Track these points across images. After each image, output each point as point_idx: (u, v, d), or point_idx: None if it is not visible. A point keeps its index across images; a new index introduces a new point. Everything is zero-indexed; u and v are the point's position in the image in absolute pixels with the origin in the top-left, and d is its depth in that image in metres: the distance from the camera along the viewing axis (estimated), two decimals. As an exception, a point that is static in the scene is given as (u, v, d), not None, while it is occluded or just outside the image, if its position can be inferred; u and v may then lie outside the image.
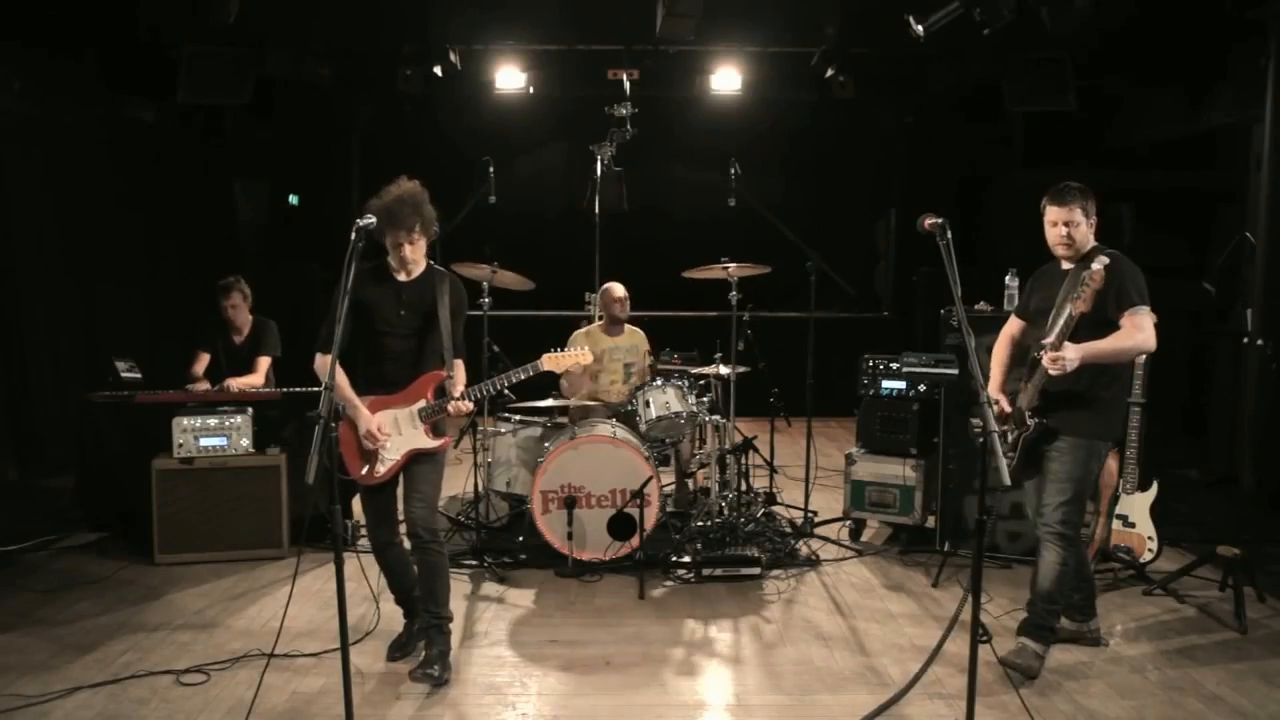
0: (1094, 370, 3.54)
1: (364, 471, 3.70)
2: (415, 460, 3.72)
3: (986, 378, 3.84)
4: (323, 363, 3.63)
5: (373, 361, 3.72)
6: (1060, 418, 3.64)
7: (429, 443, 3.72)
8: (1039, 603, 3.75)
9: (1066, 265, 3.74)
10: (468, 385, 3.77)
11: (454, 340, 3.76)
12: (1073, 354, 3.42)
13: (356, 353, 3.70)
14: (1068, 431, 3.64)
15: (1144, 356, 4.38)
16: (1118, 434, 3.77)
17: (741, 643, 4.09)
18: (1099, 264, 3.36)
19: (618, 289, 5.80)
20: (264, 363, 5.67)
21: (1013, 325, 4.02)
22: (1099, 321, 3.50)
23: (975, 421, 3.70)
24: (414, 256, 3.67)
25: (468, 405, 3.72)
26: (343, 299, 3.05)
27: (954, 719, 3.40)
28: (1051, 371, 3.47)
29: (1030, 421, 3.67)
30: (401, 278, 3.71)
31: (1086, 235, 3.68)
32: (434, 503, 3.76)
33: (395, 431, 3.69)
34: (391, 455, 3.69)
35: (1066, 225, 3.65)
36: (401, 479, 3.77)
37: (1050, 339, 3.52)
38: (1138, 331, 3.50)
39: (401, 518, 3.83)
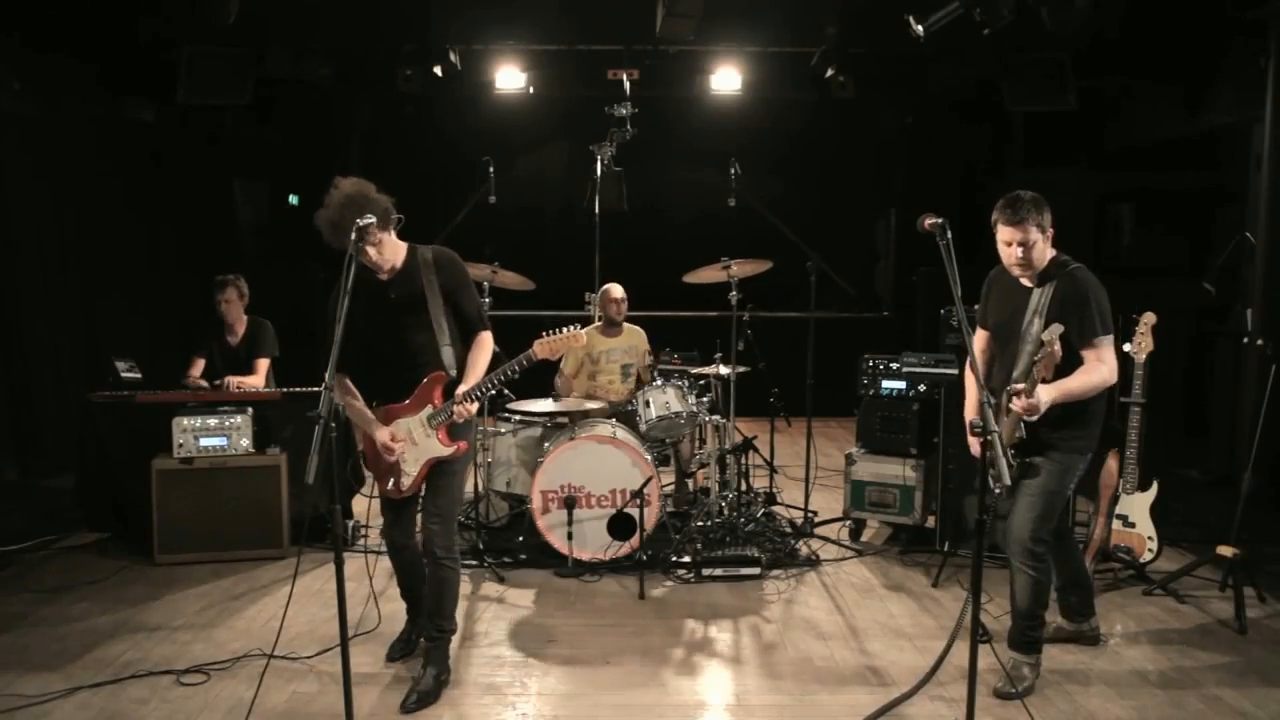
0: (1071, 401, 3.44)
1: (390, 486, 3.60)
2: (435, 472, 3.58)
3: (987, 378, 3.80)
4: (338, 381, 3.44)
5: (377, 368, 3.57)
6: (1039, 438, 3.52)
7: (445, 449, 3.55)
8: (1019, 620, 3.65)
9: (1025, 281, 3.58)
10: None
11: (464, 315, 3.58)
12: (1045, 397, 3.32)
13: (361, 363, 3.55)
14: (1046, 446, 3.52)
15: (1144, 356, 4.38)
16: (1095, 447, 3.67)
17: (741, 643, 4.09)
18: (1053, 334, 3.21)
19: (616, 290, 5.80)
20: (263, 364, 5.66)
21: (980, 340, 3.85)
22: (1064, 346, 3.35)
23: (975, 421, 3.68)
24: (384, 254, 3.42)
25: (471, 407, 3.52)
26: (343, 299, 2.98)
27: (954, 719, 3.40)
28: (1025, 419, 3.37)
29: (1014, 462, 3.54)
30: (384, 276, 3.49)
31: (1044, 251, 3.49)
32: (451, 519, 3.63)
33: (410, 442, 3.55)
34: (411, 469, 3.57)
35: (1022, 246, 3.43)
36: (424, 489, 3.65)
37: (1019, 383, 3.39)
38: (1101, 366, 3.39)
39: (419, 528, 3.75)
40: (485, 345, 3.62)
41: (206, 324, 5.68)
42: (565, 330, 3.61)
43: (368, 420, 3.56)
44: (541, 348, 3.59)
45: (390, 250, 3.46)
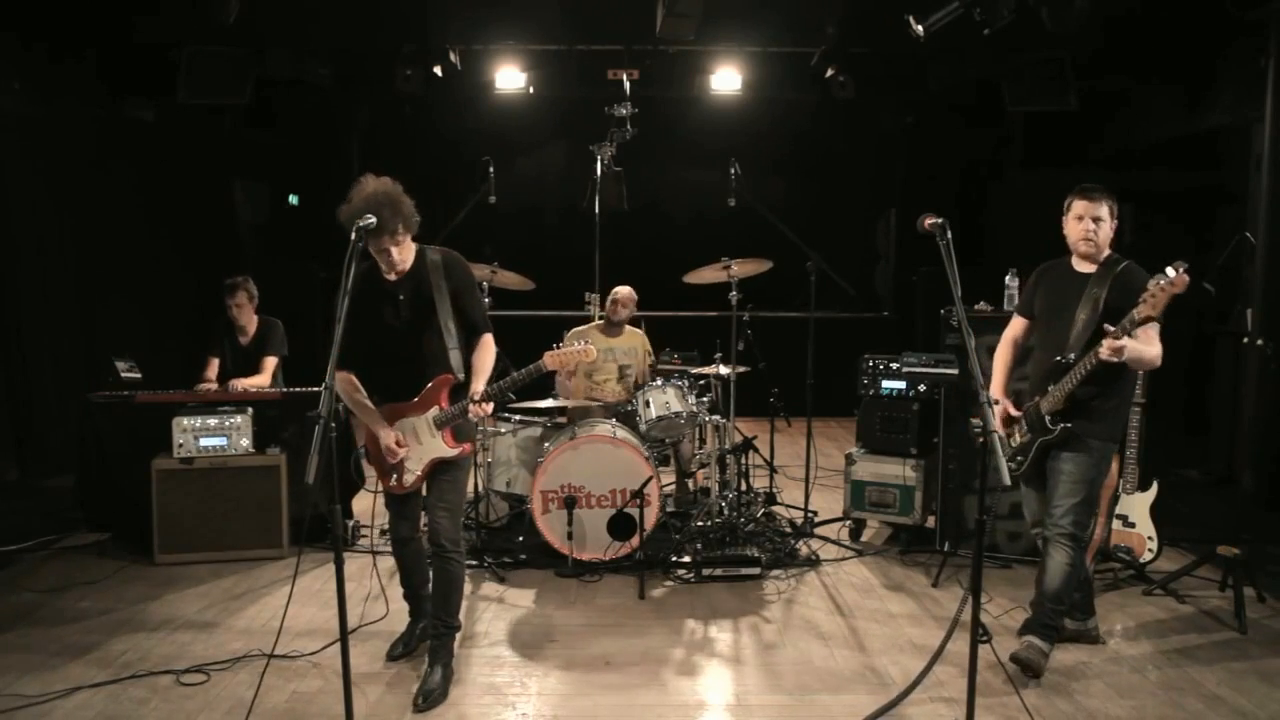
0: (1115, 376, 3.56)
1: (392, 483, 3.65)
2: (440, 469, 3.62)
3: (987, 378, 3.82)
4: (343, 379, 3.54)
5: (382, 369, 3.60)
6: (1077, 422, 3.63)
7: (449, 450, 3.60)
8: (1047, 603, 3.73)
9: (1080, 267, 3.71)
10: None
11: (470, 319, 3.62)
12: (1129, 345, 3.36)
13: (368, 362, 3.58)
14: (1083, 434, 3.63)
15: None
16: (1121, 437, 3.77)
17: (741, 643, 4.09)
18: (1179, 266, 3.22)
19: (622, 291, 5.80)
20: (271, 363, 5.64)
21: (1015, 326, 3.99)
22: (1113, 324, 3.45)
23: (975, 421, 3.69)
24: (402, 256, 3.48)
25: (487, 408, 3.53)
26: (343, 300, 2.97)
27: (954, 719, 3.41)
28: (1110, 358, 3.37)
29: (1055, 426, 3.65)
30: (393, 277, 3.55)
31: (1108, 236, 3.66)
32: (458, 512, 3.68)
33: (415, 441, 3.59)
34: (414, 467, 3.61)
35: (1095, 220, 3.63)
36: (425, 484, 3.68)
37: (1111, 329, 3.45)
38: (1157, 343, 3.50)
39: (424, 523, 3.77)
40: (489, 347, 3.66)
41: (217, 324, 5.68)
42: (575, 346, 3.75)
43: (374, 418, 3.59)
44: (552, 359, 3.69)
45: (407, 252, 3.51)
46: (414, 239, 3.59)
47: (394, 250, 3.43)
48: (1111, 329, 3.42)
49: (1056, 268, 3.83)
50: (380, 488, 3.74)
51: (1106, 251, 3.69)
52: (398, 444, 3.55)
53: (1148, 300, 3.28)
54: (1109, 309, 3.54)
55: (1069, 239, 3.73)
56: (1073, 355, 3.60)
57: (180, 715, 3.40)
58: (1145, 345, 3.48)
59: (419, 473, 3.61)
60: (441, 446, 3.60)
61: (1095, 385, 3.57)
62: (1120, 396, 3.70)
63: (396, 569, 3.93)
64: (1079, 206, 3.67)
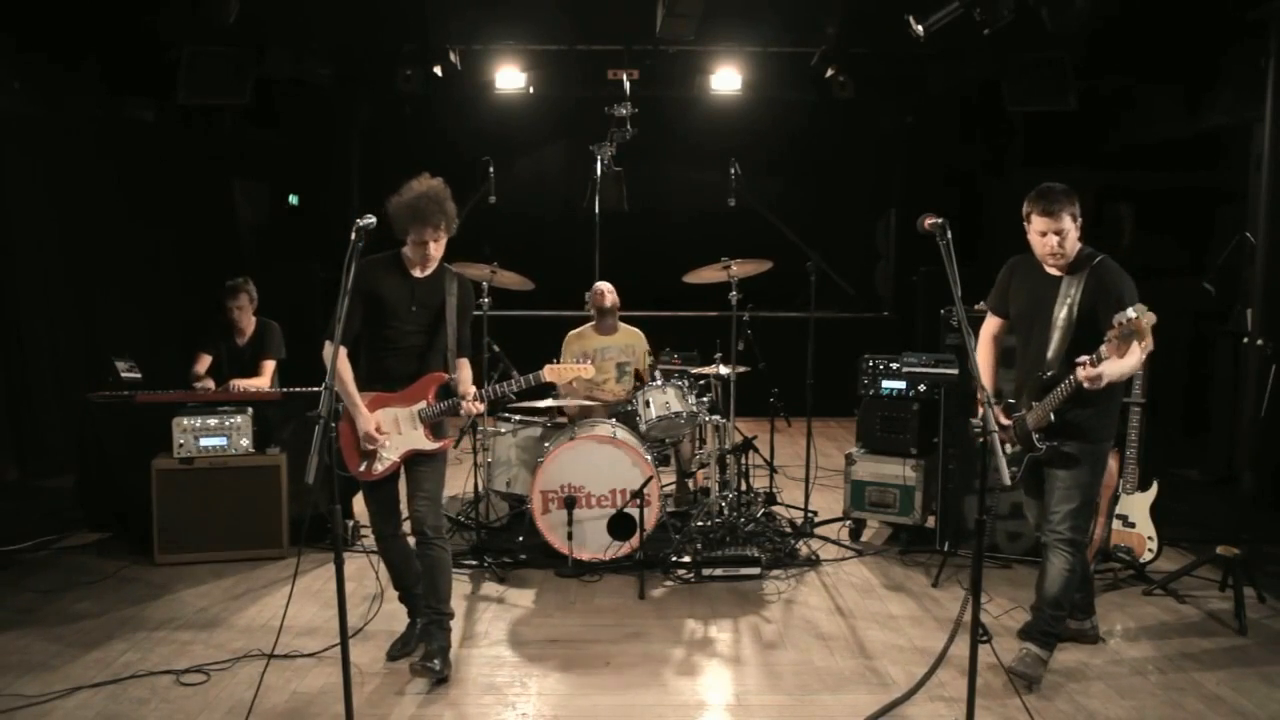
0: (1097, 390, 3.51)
1: (362, 468, 3.71)
2: (416, 460, 3.73)
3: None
4: (330, 351, 3.65)
5: (378, 355, 3.72)
6: (1064, 440, 3.59)
7: (428, 444, 3.73)
8: (1046, 609, 3.70)
9: (1052, 271, 3.65)
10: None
11: (461, 339, 3.80)
12: (1107, 370, 3.34)
13: (362, 346, 3.72)
14: (1074, 439, 3.59)
15: (1143, 356, 4.37)
16: (1114, 434, 3.75)
17: (741, 643, 4.09)
18: (1138, 313, 3.14)
19: (598, 285, 5.86)
20: (269, 366, 5.64)
21: (992, 324, 3.94)
22: (1093, 332, 3.42)
23: (975, 421, 3.69)
24: (437, 254, 3.70)
25: (480, 406, 3.76)
26: (343, 300, 3.05)
27: (954, 719, 3.40)
28: (1088, 387, 3.35)
29: (1041, 445, 3.61)
30: (416, 273, 3.73)
31: (1076, 241, 3.56)
32: (438, 500, 3.78)
33: (395, 430, 3.70)
34: (390, 455, 3.70)
35: (1057, 235, 3.50)
36: (404, 476, 3.77)
37: (1051, 369, 3.52)
38: (1132, 354, 3.41)
39: (405, 514, 3.83)
40: (469, 368, 3.90)
41: (214, 323, 5.67)
42: (576, 364, 4.14)
43: (356, 404, 3.66)
44: (551, 372, 4.02)
45: (439, 250, 3.72)
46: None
47: (431, 245, 3.66)
48: (1082, 360, 3.38)
49: (1028, 263, 3.73)
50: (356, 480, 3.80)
51: (1077, 249, 3.59)
52: (378, 430, 3.66)
53: (1111, 340, 3.24)
54: (1084, 313, 3.50)
55: (1034, 250, 3.63)
56: (1052, 372, 3.55)
57: (180, 715, 3.40)
58: (1121, 362, 3.38)
59: (393, 459, 3.71)
60: (421, 439, 3.73)
61: (1078, 403, 3.51)
62: (1109, 401, 3.63)
63: (385, 570, 3.94)
64: (1039, 223, 3.52)
